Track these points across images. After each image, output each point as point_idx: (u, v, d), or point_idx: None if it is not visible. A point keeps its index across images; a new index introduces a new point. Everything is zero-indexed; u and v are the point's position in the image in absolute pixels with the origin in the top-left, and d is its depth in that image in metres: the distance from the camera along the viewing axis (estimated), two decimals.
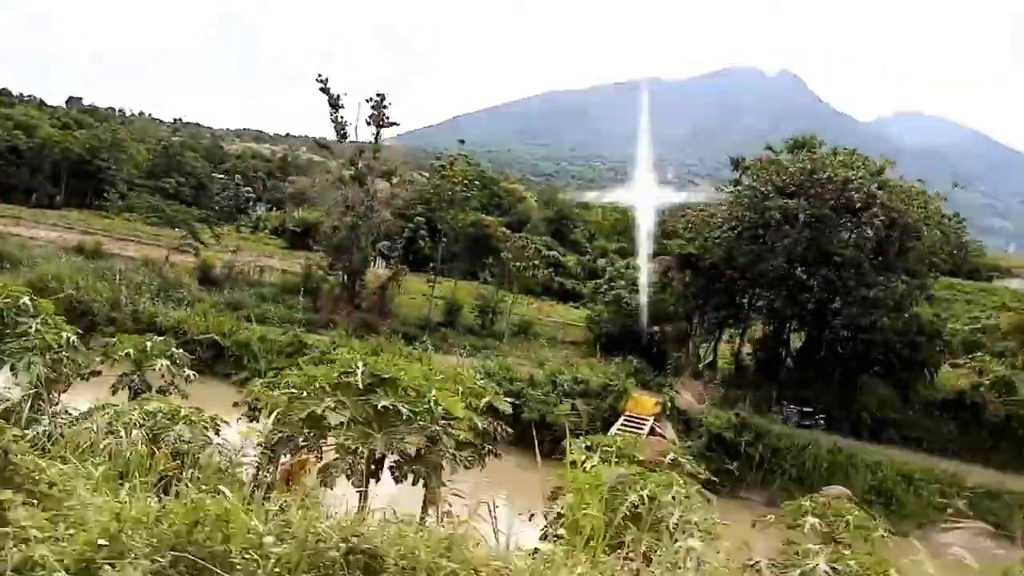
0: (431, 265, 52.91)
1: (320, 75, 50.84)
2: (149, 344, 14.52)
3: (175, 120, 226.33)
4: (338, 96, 51.63)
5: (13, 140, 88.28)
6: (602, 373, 36.46)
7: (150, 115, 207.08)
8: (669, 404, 35.45)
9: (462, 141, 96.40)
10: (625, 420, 32.73)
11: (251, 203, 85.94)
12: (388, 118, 53.04)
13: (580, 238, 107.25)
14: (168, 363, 14.55)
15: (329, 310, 46.29)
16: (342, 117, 52.50)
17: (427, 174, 62.28)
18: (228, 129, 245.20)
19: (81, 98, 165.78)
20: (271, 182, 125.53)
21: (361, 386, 9.51)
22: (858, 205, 37.65)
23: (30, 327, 11.72)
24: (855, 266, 37.95)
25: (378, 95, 52.61)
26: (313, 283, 53.28)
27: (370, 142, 52.49)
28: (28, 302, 11.98)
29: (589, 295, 76.50)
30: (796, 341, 43.89)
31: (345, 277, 51.98)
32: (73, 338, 12.38)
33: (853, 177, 37.32)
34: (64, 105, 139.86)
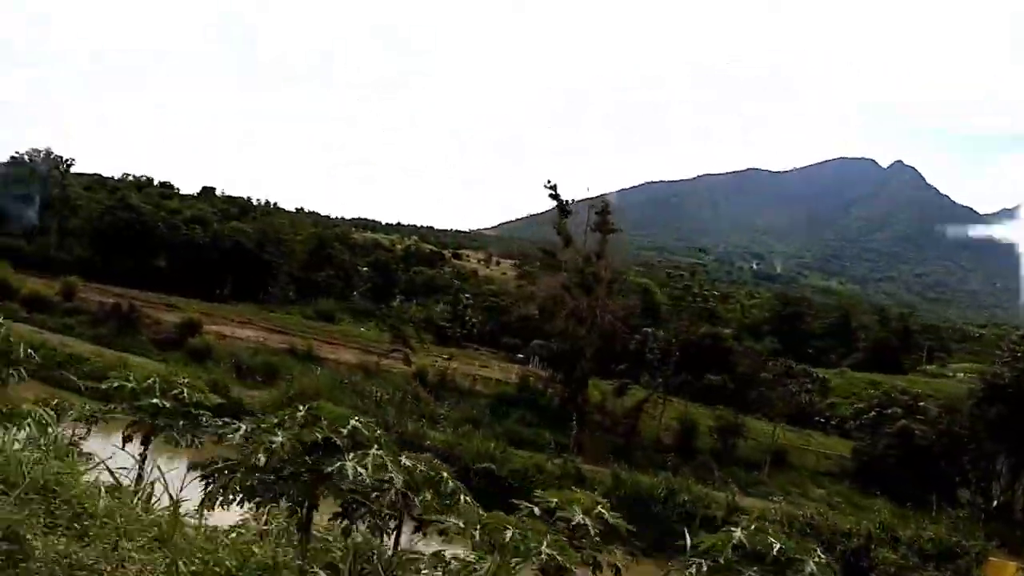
0: (659, 380, 49.32)
1: (549, 181, 49.78)
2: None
3: (297, 210, 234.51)
4: (567, 202, 50.28)
5: (191, 234, 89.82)
6: (945, 527, 31.37)
7: (275, 204, 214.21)
8: None
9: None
10: None
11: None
12: (614, 224, 51.21)
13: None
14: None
15: (576, 432, 43.02)
16: (567, 224, 51.14)
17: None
18: (343, 218, 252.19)
19: (214, 188, 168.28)
20: (405, 274, 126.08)
21: None
22: None
23: None
24: None
25: (602, 201, 51.13)
26: (530, 394, 50.63)
27: (595, 249, 50.47)
28: None
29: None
30: None
31: (567, 390, 49.03)
32: None
33: None
34: (196, 194, 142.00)
